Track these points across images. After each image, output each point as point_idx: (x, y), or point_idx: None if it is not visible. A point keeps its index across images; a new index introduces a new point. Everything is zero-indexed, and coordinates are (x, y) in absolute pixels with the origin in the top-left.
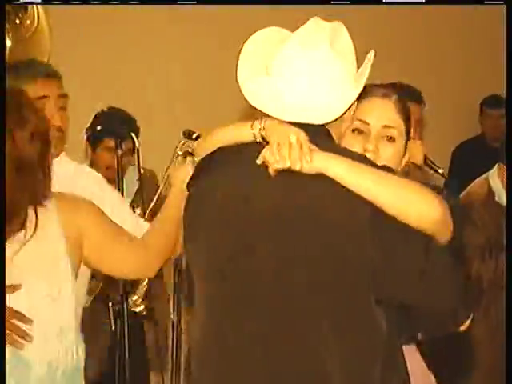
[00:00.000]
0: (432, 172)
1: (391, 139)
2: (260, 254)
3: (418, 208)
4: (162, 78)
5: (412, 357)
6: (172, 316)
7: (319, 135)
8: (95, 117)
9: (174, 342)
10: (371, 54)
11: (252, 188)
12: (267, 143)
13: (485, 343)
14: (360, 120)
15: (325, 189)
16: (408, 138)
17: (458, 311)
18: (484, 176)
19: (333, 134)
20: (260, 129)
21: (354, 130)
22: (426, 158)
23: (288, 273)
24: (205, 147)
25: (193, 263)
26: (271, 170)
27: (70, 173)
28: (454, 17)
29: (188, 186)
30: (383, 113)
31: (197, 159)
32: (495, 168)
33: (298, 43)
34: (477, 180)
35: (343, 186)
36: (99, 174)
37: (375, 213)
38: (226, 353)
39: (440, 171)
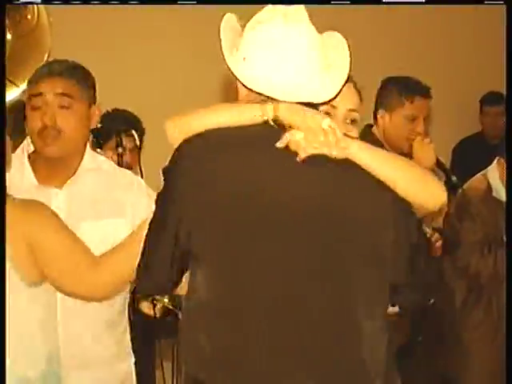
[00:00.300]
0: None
1: (354, 122)
2: (274, 247)
3: (429, 191)
4: (161, 78)
5: None
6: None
7: None
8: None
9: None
10: (342, 39)
11: (269, 176)
12: (278, 126)
13: (486, 338)
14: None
15: (345, 178)
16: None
17: (429, 288)
18: (483, 172)
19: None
20: (274, 110)
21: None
22: (438, 161)
23: (303, 267)
24: (188, 129)
25: (198, 258)
26: (301, 155)
27: (104, 179)
28: (454, 17)
29: (168, 171)
30: (347, 96)
31: (176, 143)
32: (494, 163)
33: (281, 23)
34: (476, 176)
35: (362, 175)
36: (147, 190)
37: (395, 205)
38: (227, 351)
39: (453, 179)
